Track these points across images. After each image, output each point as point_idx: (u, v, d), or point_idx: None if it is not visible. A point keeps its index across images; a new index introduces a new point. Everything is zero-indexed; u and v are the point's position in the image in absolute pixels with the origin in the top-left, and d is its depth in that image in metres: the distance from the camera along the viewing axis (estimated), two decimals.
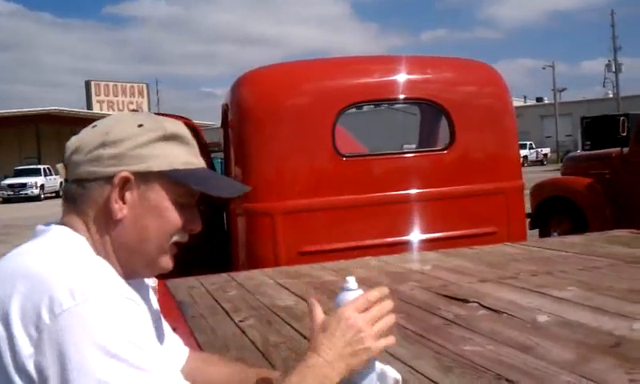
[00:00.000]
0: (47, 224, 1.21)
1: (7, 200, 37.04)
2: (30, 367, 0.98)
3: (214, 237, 4.68)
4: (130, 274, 1.22)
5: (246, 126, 4.46)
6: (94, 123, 1.25)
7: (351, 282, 1.33)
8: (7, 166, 41.72)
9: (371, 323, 1.24)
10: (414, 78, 4.73)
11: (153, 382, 1.00)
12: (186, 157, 1.24)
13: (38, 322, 0.98)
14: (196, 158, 1.27)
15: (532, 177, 10.82)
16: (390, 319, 1.27)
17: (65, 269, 1.06)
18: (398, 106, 5.66)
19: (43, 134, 46.09)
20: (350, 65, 4.91)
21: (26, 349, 0.98)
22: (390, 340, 1.27)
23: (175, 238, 1.24)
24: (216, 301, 2.94)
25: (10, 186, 38.10)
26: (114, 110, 47.95)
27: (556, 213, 9.00)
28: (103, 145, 1.18)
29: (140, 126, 1.21)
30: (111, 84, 54.72)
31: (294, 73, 4.74)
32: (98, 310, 1.00)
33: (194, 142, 1.28)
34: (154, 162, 1.20)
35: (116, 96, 53.73)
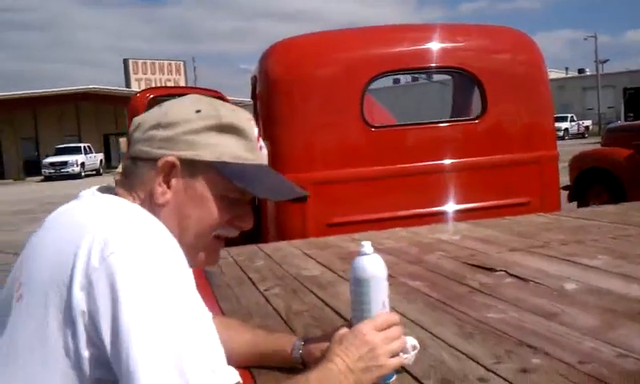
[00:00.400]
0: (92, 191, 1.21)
1: (49, 178, 37.87)
2: (82, 307, 0.97)
3: None
4: None
5: (274, 97, 4.44)
6: (164, 102, 1.24)
7: (367, 246, 1.31)
8: (49, 144, 42.58)
9: (387, 342, 1.25)
10: (445, 46, 4.64)
11: (197, 324, 1.00)
12: (239, 150, 1.19)
13: (87, 268, 0.98)
14: (251, 152, 1.21)
15: (571, 149, 10.62)
16: (403, 341, 1.29)
17: (115, 217, 1.06)
18: (430, 75, 5.58)
19: (83, 112, 46.80)
20: (379, 34, 4.84)
21: (77, 293, 0.98)
22: (403, 359, 1.28)
23: (218, 232, 1.22)
24: (243, 271, 2.95)
25: (52, 164, 38.91)
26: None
27: (595, 184, 8.81)
28: (158, 126, 1.17)
29: (198, 111, 1.18)
30: (149, 62, 55.16)
31: (322, 42, 4.69)
32: (148, 253, 1.00)
33: (252, 135, 1.23)
34: (203, 150, 1.16)
35: (153, 74, 54.18)
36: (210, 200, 1.18)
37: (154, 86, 49.67)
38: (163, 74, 54.77)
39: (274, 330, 1.76)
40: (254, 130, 1.24)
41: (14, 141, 44.37)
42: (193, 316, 1.00)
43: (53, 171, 38.49)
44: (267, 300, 2.37)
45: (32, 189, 31.03)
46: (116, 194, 1.19)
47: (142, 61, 54.90)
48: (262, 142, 1.26)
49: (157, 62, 55.91)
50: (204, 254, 1.23)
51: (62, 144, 41.06)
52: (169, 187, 1.17)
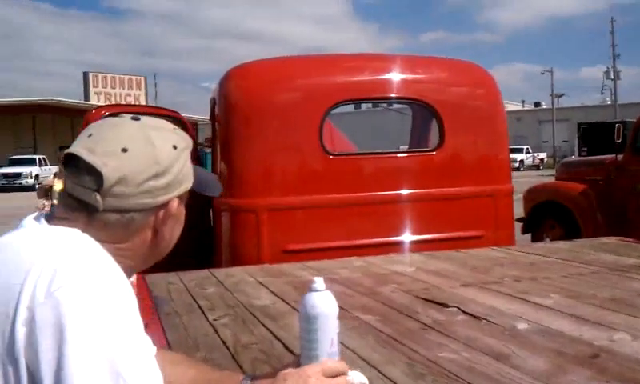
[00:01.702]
0: (38, 219, 1.14)
1: (1, 189, 36.89)
2: (24, 343, 0.93)
3: (199, 232, 4.62)
4: (130, 271, 1.18)
5: (232, 121, 4.40)
6: (124, 146, 1.12)
7: (318, 282, 1.28)
8: (1, 155, 41.54)
9: None
10: (405, 77, 4.67)
11: (142, 366, 0.98)
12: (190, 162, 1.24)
13: (31, 303, 0.94)
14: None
15: (527, 181, 10.79)
16: None
17: (63, 251, 1.03)
18: (390, 105, 5.61)
19: (40, 123, 45.85)
20: (340, 62, 4.84)
21: (19, 328, 0.93)
22: None
23: None
24: (193, 298, 2.88)
25: (5, 175, 37.95)
26: (111, 101, 47.71)
27: (549, 218, 8.94)
28: (156, 176, 1.14)
29: (175, 147, 1.18)
30: (109, 76, 54.51)
31: (282, 68, 4.67)
32: (97, 290, 0.98)
33: None
34: (189, 180, 1.21)
35: (114, 88, 53.55)
36: (183, 214, 1.23)
37: (113, 99, 49.14)
38: (123, 89, 54.16)
39: (220, 366, 1.71)
40: None
41: None
42: (137, 357, 0.98)
43: (6, 182, 37.49)
44: (215, 330, 2.31)
45: None
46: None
47: (102, 74, 54.23)
48: None
49: (117, 76, 55.29)
50: None
51: (16, 155, 40.06)
52: (165, 225, 1.20)
